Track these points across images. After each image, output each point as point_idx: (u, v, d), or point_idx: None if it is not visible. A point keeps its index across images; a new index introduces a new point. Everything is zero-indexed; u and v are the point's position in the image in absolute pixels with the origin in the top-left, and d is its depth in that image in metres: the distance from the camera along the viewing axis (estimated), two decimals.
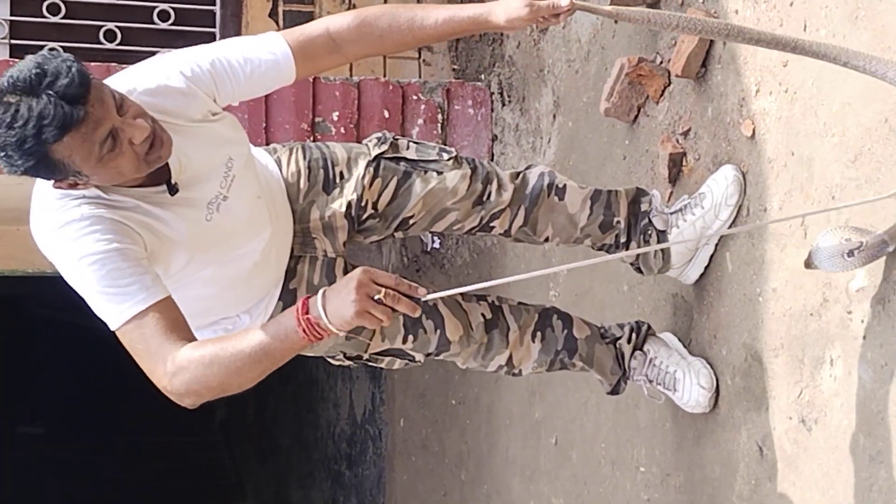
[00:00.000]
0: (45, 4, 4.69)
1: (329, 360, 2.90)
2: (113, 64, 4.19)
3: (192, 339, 2.38)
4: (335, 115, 4.37)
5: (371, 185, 2.85)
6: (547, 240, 3.03)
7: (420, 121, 4.48)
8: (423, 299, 2.23)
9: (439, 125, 4.49)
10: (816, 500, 2.59)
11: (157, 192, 2.48)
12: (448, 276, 5.23)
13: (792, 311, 2.67)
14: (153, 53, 4.77)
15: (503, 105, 4.50)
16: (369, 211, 2.87)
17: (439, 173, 2.88)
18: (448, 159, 2.91)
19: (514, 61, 4.44)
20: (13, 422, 11.63)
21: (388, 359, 2.93)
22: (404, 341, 2.87)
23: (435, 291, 2.23)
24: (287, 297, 2.76)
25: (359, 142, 4.25)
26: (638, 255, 3.05)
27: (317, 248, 2.84)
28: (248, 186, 2.65)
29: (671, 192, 3.22)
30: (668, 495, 3.24)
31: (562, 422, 4.03)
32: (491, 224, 2.96)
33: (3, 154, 2.27)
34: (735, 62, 2.92)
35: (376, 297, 2.19)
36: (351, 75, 4.89)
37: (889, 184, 2.35)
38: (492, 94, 4.56)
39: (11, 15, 4.71)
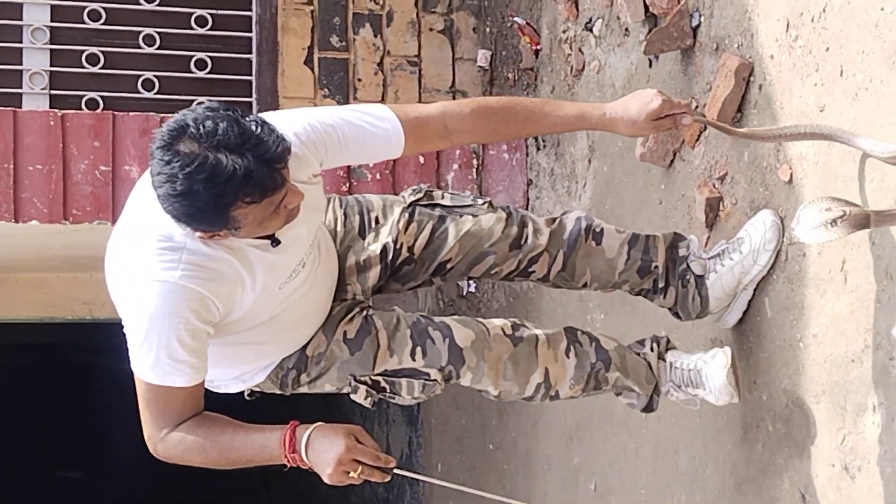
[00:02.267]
0: (85, 55, 4.74)
1: (352, 397, 2.84)
2: (151, 113, 4.23)
3: (196, 415, 2.55)
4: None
5: (406, 229, 2.87)
6: (585, 285, 3.01)
7: (455, 166, 4.50)
8: (392, 472, 2.52)
9: (474, 170, 4.50)
10: None
11: (261, 243, 2.51)
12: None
13: (833, 357, 2.65)
14: (191, 102, 4.84)
15: (538, 150, 4.51)
16: (405, 255, 2.88)
17: (474, 216, 2.90)
18: (483, 204, 2.94)
19: None
20: (51, 466, 11.66)
21: (405, 383, 2.83)
22: (413, 355, 2.81)
23: None
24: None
25: (393, 188, 4.29)
26: (676, 300, 3.03)
27: (348, 292, 2.86)
28: (318, 258, 2.69)
29: (708, 237, 3.21)
30: None
31: (600, 466, 4.01)
32: (530, 269, 2.94)
33: (185, 201, 2.27)
34: (771, 107, 2.92)
35: (351, 474, 2.47)
36: None
37: None
38: (527, 138, 4.57)
39: (51, 65, 4.76)
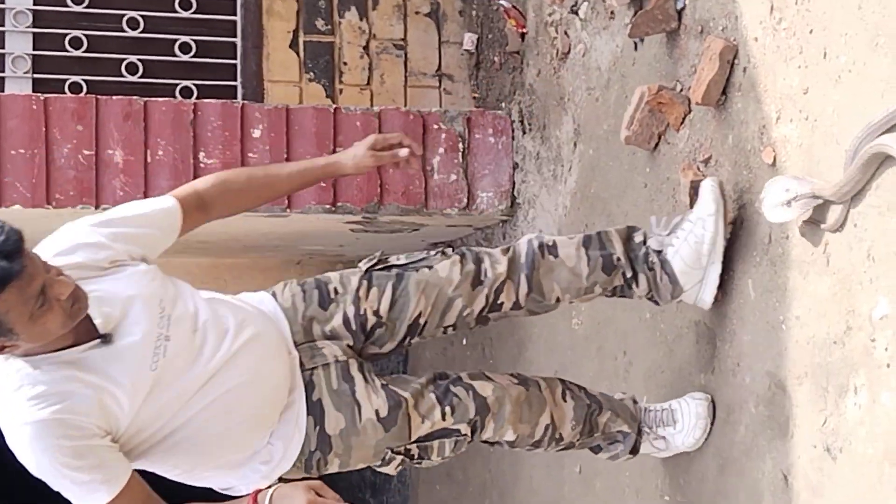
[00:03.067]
0: (68, 38, 4.73)
1: (385, 469, 2.90)
2: (135, 97, 4.22)
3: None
4: None
5: (368, 295, 2.93)
6: (558, 300, 3.05)
7: (441, 150, 4.49)
8: None
9: (460, 154, 4.50)
10: None
11: (91, 346, 2.57)
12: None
13: (815, 339, 2.66)
14: (175, 86, 4.83)
15: (524, 133, 4.51)
16: (372, 319, 2.93)
17: (430, 268, 2.96)
18: (435, 254, 3.01)
19: (535, 90, 4.44)
20: None
21: (436, 445, 2.89)
22: (443, 416, 2.87)
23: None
24: (315, 410, 2.82)
25: (379, 171, 4.29)
26: (649, 284, 3.05)
27: (326, 356, 2.88)
28: (186, 323, 2.71)
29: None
30: None
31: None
32: (499, 302, 2.99)
33: None
34: (755, 90, 2.92)
35: None
36: (371, 105, 4.91)
37: None
38: (512, 122, 4.57)
39: (34, 49, 4.75)
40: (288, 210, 4.32)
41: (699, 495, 3.18)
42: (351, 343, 2.92)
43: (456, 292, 2.95)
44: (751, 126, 2.94)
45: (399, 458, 2.87)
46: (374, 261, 2.99)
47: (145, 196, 4.12)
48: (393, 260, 2.99)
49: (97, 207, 4.13)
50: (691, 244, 2.98)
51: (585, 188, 3.99)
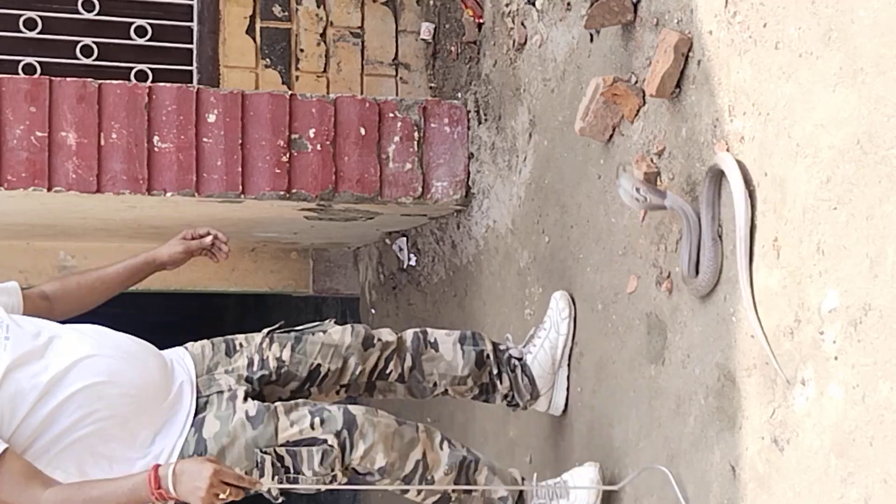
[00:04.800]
0: (22, 19, 4.68)
1: (258, 487, 3.04)
2: (89, 80, 4.18)
3: (49, 483, 2.90)
4: (311, 132, 4.36)
5: (270, 347, 3.36)
6: (435, 385, 3.51)
7: (396, 138, 4.48)
8: (263, 489, 3.00)
9: (415, 143, 4.49)
10: None
11: None
12: (424, 294, 5.23)
13: (765, 331, 2.67)
14: (130, 70, 4.80)
15: (479, 123, 4.51)
16: (274, 363, 3.34)
17: (324, 332, 3.41)
18: (329, 321, 3.46)
19: (491, 80, 4.44)
20: None
21: (305, 452, 3.16)
22: (312, 425, 3.18)
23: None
24: (198, 423, 3.17)
25: (334, 160, 4.32)
26: (511, 384, 3.54)
27: (221, 385, 3.26)
28: (28, 329, 3.09)
29: (645, 213, 3.22)
30: None
31: (536, 440, 4.02)
32: (387, 370, 3.46)
33: None
34: (709, 83, 2.93)
35: (220, 496, 2.78)
36: (328, 92, 4.89)
37: (861, 205, 2.36)
38: (468, 112, 4.56)
39: None
40: (242, 196, 4.30)
41: (649, 485, 3.19)
42: (249, 378, 3.30)
43: (349, 351, 3.39)
44: (704, 119, 2.96)
45: (269, 458, 3.12)
46: (276, 326, 3.42)
47: (98, 179, 4.13)
48: (292, 327, 3.42)
49: (49, 189, 4.10)
50: (547, 350, 3.54)
51: (540, 179, 4.00)
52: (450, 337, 3.54)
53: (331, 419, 3.18)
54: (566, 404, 3.62)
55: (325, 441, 3.16)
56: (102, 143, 4.17)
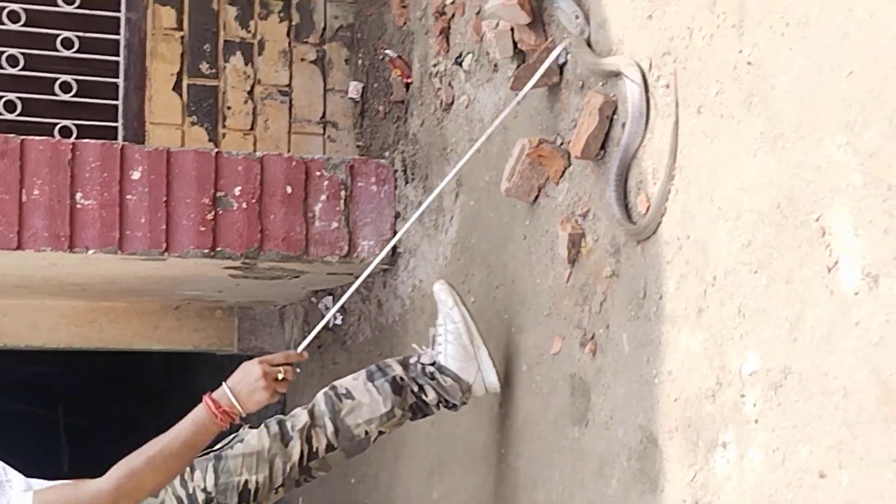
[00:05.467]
0: None
1: None
2: (11, 135, 4.14)
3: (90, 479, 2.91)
4: (237, 190, 4.34)
5: (193, 477, 3.31)
6: (367, 433, 3.46)
7: (323, 197, 4.47)
8: (303, 352, 3.15)
9: (342, 201, 4.48)
10: None
11: None
12: (350, 353, 5.20)
13: (687, 394, 2.68)
14: (54, 125, 4.75)
15: (406, 182, 4.51)
16: (202, 496, 3.31)
17: (241, 441, 3.38)
18: (244, 428, 3.42)
19: (418, 139, 4.45)
20: None
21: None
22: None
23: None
24: None
25: (259, 218, 4.29)
26: (437, 393, 3.49)
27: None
28: None
29: (570, 273, 3.23)
30: None
31: (460, 502, 4.00)
32: (313, 449, 3.40)
33: None
34: None
35: (280, 378, 2.95)
36: (255, 150, 4.87)
37: (781, 269, 2.37)
38: (395, 171, 4.57)
39: None
40: (166, 253, 4.26)
41: None
42: None
43: (271, 453, 3.35)
44: (628, 181, 2.97)
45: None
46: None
47: (18, 235, 4.08)
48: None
49: None
50: (453, 342, 3.48)
51: (466, 239, 4.00)
52: (357, 380, 3.50)
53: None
54: (501, 377, 3.54)
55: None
56: (24, 199, 4.12)
